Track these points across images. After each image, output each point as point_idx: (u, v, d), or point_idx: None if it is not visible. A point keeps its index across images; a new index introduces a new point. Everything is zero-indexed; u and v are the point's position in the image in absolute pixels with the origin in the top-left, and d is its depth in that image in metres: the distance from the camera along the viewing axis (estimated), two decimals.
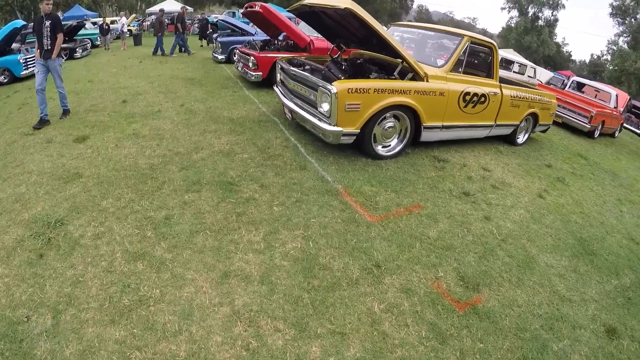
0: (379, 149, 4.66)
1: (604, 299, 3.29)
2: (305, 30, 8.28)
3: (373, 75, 4.60)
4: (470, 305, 2.73)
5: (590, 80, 15.94)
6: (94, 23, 20.47)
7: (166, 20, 16.00)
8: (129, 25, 21.23)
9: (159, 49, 13.55)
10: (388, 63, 4.99)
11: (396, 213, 3.76)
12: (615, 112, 10.79)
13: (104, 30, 16.79)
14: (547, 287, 3.18)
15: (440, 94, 4.66)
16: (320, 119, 4.17)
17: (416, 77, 4.48)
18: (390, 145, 4.80)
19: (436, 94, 4.62)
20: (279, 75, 5.51)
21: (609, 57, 35.42)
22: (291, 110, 4.69)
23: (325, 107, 4.04)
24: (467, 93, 5.03)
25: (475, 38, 5.11)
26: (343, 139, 4.14)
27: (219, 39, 11.56)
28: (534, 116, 6.82)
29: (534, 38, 40.74)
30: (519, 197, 4.77)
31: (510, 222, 4.11)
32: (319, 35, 8.27)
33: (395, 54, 4.44)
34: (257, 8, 7.53)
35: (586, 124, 9.74)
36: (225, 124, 5.57)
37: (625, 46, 29.90)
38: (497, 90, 5.64)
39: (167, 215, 3.34)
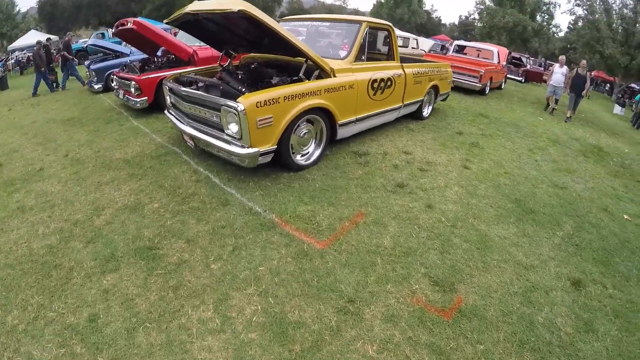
0: (299, 160, 4.30)
1: (558, 254, 3.51)
2: (184, 40, 7.52)
3: (275, 80, 4.21)
4: (455, 310, 2.66)
5: (465, 41, 17.20)
6: None
7: (52, 50, 13.73)
8: None
9: (47, 85, 11.64)
10: (286, 63, 4.64)
11: (343, 230, 3.41)
12: (499, 67, 11.63)
13: None
14: (510, 262, 3.24)
15: (349, 87, 4.40)
16: (229, 143, 3.67)
17: (322, 74, 4.14)
18: (308, 152, 4.44)
19: (346, 88, 4.36)
20: (168, 98, 4.82)
21: (476, 16, 39.11)
22: (192, 137, 4.12)
23: (233, 128, 3.56)
24: (375, 80, 4.86)
25: (372, 22, 4.93)
26: (261, 160, 3.70)
27: (91, 67, 10.13)
28: (435, 88, 6.97)
29: (405, 10, 43.29)
30: (447, 174, 4.85)
31: (451, 203, 4.12)
32: (202, 44, 7.57)
33: (294, 52, 4.08)
34: (130, 25, 6.70)
35: (477, 83, 10.37)
36: (121, 168, 4.71)
37: (492, 4, 33.10)
38: (400, 71, 5.57)
39: (90, 315, 2.53)
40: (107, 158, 5.14)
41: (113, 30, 7.63)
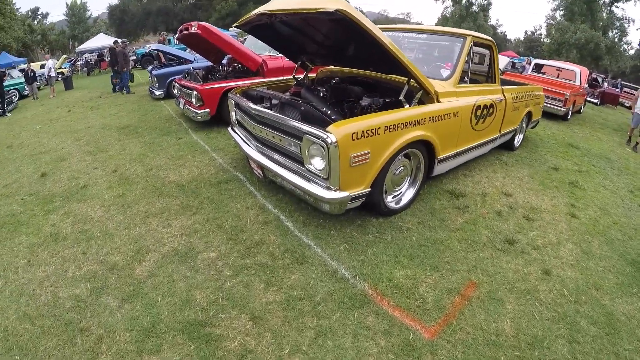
0: (390, 202, 3.58)
1: None
2: (252, 48, 6.92)
3: (365, 102, 3.53)
4: None
5: (533, 58, 15.98)
6: (22, 70, 17.46)
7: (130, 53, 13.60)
8: (59, 68, 18.48)
9: (124, 88, 11.56)
10: (375, 81, 3.98)
11: (454, 309, 2.68)
12: (581, 89, 10.53)
13: (29, 78, 14.16)
14: None
15: (454, 114, 3.70)
16: (310, 180, 3.00)
17: (424, 97, 3.40)
18: (400, 192, 3.71)
19: (450, 116, 3.66)
20: (233, 113, 4.24)
21: (543, 32, 37.41)
22: (261, 166, 3.50)
23: (318, 164, 2.88)
24: (478, 107, 4.11)
25: (476, 37, 4.16)
26: (349, 205, 2.99)
27: (153, 72, 9.73)
28: (529, 114, 6.08)
29: (471, 24, 41.64)
30: (556, 226, 4.18)
31: (568, 267, 3.49)
32: (272, 53, 6.89)
33: (389, 68, 3.47)
34: (194, 29, 6.10)
35: (561, 107, 9.37)
36: (174, 195, 4.11)
37: (563, 19, 31.38)
38: (502, 97, 4.76)
39: None
40: (158, 180, 4.57)
41: (177, 35, 7.11)
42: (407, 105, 3.35)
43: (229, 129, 4.50)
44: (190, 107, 6.31)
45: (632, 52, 34.73)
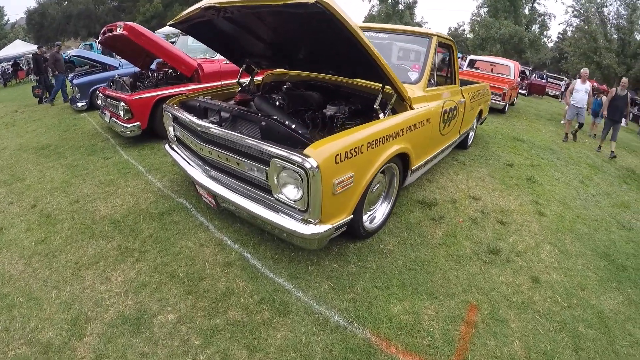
0: (366, 223, 3.23)
1: None
2: (184, 50, 6.30)
3: (331, 111, 3.17)
4: None
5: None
6: None
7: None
8: None
9: (59, 94, 10.23)
10: (337, 86, 3.65)
11: (464, 341, 2.46)
12: (515, 83, 11.02)
13: None
14: (635, 346, 2.75)
15: (427, 121, 3.50)
16: (280, 211, 2.54)
17: (396, 104, 3.16)
18: (374, 209, 3.43)
19: (424, 124, 3.45)
20: (171, 129, 3.58)
21: (466, 28, 39.42)
22: (213, 195, 2.97)
23: (291, 193, 2.43)
24: (445, 111, 3.94)
25: (440, 36, 3.98)
26: (330, 237, 2.63)
27: (74, 81, 8.57)
28: (480, 112, 6.12)
29: (397, 22, 42.90)
30: (529, 227, 4.21)
31: (553, 270, 3.51)
32: (207, 55, 6.36)
33: (362, 70, 3.11)
34: (119, 30, 5.27)
35: (500, 101, 9.72)
36: (109, 236, 3.37)
37: (487, 16, 33.12)
38: (462, 97, 4.68)
39: None
40: (87, 215, 3.76)
41: (99, 38, 5.99)
42: (382, 115, 3.02)
43: (166, 146, 3.82)
44: (117, 121, 5.49)
45: (551, 44, 37.62)
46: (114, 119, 5.58)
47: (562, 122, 10.58)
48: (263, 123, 2.69)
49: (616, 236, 4.56)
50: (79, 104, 8.40)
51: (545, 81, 20.85)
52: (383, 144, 2.79)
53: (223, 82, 5.85)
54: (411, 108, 3.30)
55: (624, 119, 9.00)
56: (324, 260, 3.05)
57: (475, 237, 3.67)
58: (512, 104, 12.38)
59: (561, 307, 3.02)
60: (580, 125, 9.15)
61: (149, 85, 5.77)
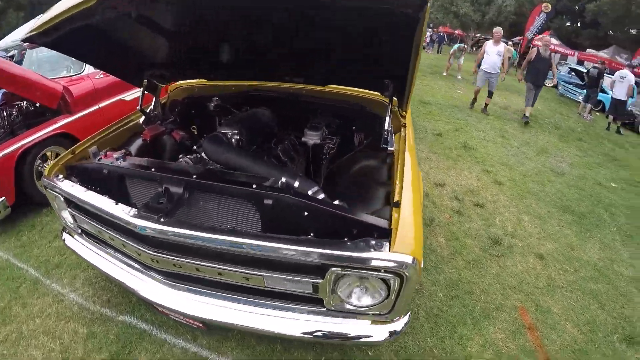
0: None
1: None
2: (35, 70, 4.56)
3: (313, 138, 2.69)
4: None
5: None
6: None
7: None
8: None
9: None
10: (295, 98, 2.96)
11: (538, 346, 2.59)
12: None
13: None
14: (631, 282, 3.45)
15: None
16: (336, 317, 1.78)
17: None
18: None
19: None
20: (67, 215, 2.21)
21: None
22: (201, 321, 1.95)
23: (366, 300, 1.69)
24: None
25: None
26: None
27: None
28: None
29: None
30: (500, 201, 4.59)
31: (544, 240, 3.91)
32: (71, 73, 4.57)
33: (352, 74, 2.59)
34: None
35: None
36: None
37: None
38: None
39: None
40: None
41: None
42: (391, 143, 2.26)
43: (66, 240, 2.37)
44: None
45: None
46: None
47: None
48: (279, 201, 1.72)
49: (558, 185, 5.27)
50: None
51: None
52: None
53: (101, 106, 4.36)
54: (404, 126, 2.51)
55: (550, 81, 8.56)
56: None
57: (471, 232, 3.81)
58: None
59: (572, 274, 3.41)
60: (490, 94, 8.45)
61: (2, 134, 3.76)
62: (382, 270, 1.50)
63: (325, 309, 1.74)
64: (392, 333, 1.73)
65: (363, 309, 1.70)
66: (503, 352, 2.47)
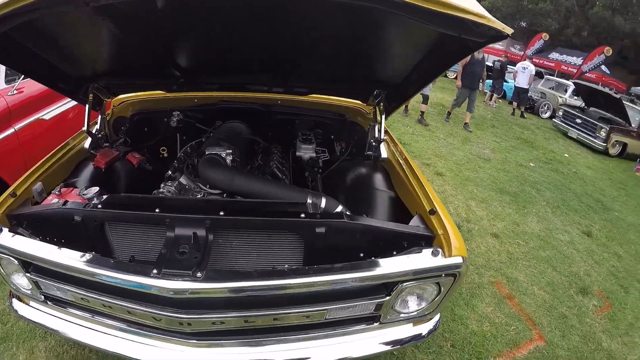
0: None
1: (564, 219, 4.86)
2: None
3: (307, 153, 2.64)
4: None
5: None
6: None
7: None
8: None
9: None
10: (267, 110, 2.79)
11: (521, 312, 2.98)
12: None
13: None
14: (571, 245, 4.25)
15: None
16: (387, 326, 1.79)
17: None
18: None
19: None
20: (24, 281, 1.65)
21: None
22: None
23: (414, 305, 1.74)
24: None
25: None
26: None
27: None
28: None
29: None
30: (447, 191, 5.00)
31: (494, 220, 4.40)
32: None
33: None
34: None
35: None
36: None
37: None
38: None
39: None
40: None
41: None
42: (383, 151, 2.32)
43: (18, 309, 1.80)
44: None
45: None
46: None
47: None
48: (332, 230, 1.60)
49: (489, 170, 5.95)
50: None
51: None
52: None
53: (16, 128, 3.24)
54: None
55: (480, 84, 8.45)
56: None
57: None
58: None
59: (524, 246, 3.96)
60: (426, 98, 8.05)
61: None
62: (443, 274, 1.54)
63: (378, 323, 1.70)
64: (431, 330, 1.85)
65: (414, 313, 1.72)
66: (496, 322, 2.84)
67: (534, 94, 12.02)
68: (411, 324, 1.79)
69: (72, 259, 1.42)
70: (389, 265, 1.48)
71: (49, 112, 3.74)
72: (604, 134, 8.88)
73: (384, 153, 2.29)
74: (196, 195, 2.02)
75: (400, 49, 1.95)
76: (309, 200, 1.80)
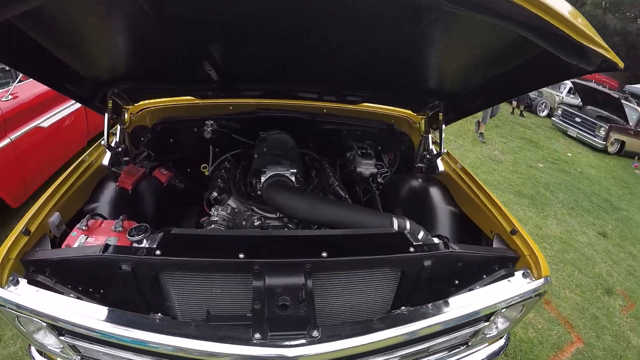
0: None
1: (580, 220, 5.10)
2: None
3: (368, 169, 2.42)
4: None
5: None
6: None
7: None
8: None
9: None
10: (312, 118, 2.53)
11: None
12: None
13: None
14: (589, 247, 4.49)
15: None
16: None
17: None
18: None
19: None
20: (52, 340, 1.28)
21: None
22: None
23: (501, 324, 1.70)
24: None
25: None
26: None
27: None
28: None
29: None
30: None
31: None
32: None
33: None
34: None
35: None
36: None
37: None
38: None
39: None
40: None
41: None
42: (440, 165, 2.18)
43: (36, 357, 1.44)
44: None
45: None
46: None
47: None
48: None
49: (503, 173, 6.15)
50: None
51: None
52: None
53: (12, 138, 2.97)
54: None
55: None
56: None
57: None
58: None
59: (550, 250, 4.18)
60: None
61: None
62: (533, 295, 1.47)
63: (465, 346, 1.64)
64: (502, 347, 1.79)
65: (494, 333, 1.66)
66: (539, 328, 3.08)
67: (531, 93, 12.34)
68: (487, 342, 1.73)
69: (135, 330, 1.09)
70: (498, 295, 1.41)
71: (47, 119, 3.39)
72: (604, 133, 9.24)
73: (440, 166, 2.15)
74: (253, 221, 1.85)
75: (476, 60, 1.73)
76: (396, 226, 1.67)
